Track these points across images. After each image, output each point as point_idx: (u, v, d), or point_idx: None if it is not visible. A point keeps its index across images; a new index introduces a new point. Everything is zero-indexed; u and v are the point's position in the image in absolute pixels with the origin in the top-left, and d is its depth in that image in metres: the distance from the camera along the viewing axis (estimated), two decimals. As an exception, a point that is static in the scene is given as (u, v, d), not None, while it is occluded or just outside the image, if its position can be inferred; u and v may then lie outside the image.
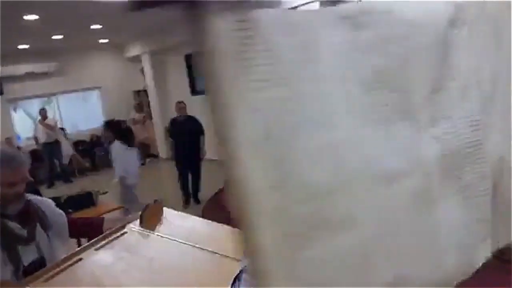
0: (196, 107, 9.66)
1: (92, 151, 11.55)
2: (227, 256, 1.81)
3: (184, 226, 2.29)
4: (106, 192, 5.54)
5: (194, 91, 10.99)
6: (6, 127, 10.17)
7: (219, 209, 5.92)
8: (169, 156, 6.84)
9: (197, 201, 6.71)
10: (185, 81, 11.10)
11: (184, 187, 6.54)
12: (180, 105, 6.53)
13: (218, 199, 6.45)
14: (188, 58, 10.84)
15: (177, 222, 2.32)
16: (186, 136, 6.30)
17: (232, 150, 0.65)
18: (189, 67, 10.95)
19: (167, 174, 9.15)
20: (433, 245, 0.86)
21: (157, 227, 2.16)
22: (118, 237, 2.04)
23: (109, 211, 4.80)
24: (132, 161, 5.34)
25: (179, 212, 2.48)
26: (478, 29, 0.94)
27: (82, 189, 5.11)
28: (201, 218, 2.54)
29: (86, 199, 4.91)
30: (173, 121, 6.64)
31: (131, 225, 2.15)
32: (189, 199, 6.58)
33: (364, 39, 0.77)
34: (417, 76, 0.85)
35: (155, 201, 2.31)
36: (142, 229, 2.12)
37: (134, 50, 11.94)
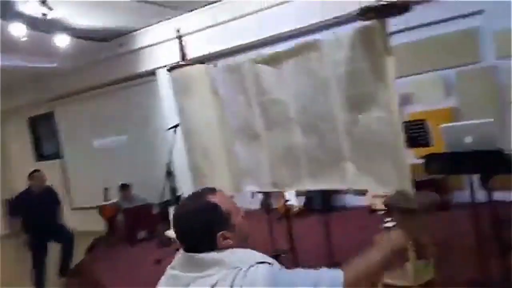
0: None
1: None
2: None
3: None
4: None
5: (39, 157, 10.04)
6: None
7: (85, 277, 5.37)
8: (13, 232, 5.93)
9: (65, 273, 5.96)
10: (28, 146, 10.10)
11: (39, 266, 5.75)
12: (39, 175, 5.65)
13: (82, 268, 5.87)
14: (33, 121, 9.96)
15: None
16: (45, 208, 5.53)
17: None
18: (33, 130, 10.05)
19: (10, 253, 7.97)
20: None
21: None
22: None
23: None
24: None
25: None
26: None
27: None
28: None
29: None
30: (27, 193, 5.66)
31: None
32: (43, 280, 5.78)
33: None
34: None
35: None
36: None
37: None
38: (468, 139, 2.81)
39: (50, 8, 5.05)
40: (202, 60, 1.85)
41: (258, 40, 6.11)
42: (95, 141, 8.85)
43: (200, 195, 1.27)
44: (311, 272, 1.17)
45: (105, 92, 8.29)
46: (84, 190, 8.93)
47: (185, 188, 6.76)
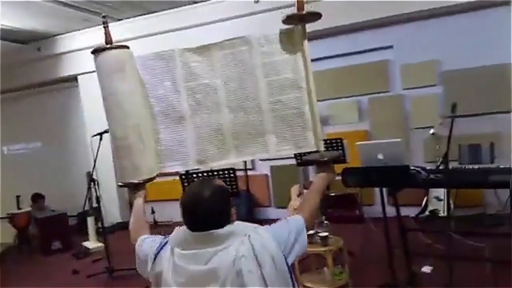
0: None
1: None
2: None
3: None
4: None
5: None
6: None
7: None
8: None
9: None
10: None
11: None
12: None
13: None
14: None
15: None
16: None
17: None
18: None
19: None
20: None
21: None
22: None
23: None
24: None
25: None
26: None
27: None
28: None
29: None
30: None
31: None
32: None
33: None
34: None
35: None
36: None
37: None
38: (380, 156, 3.16)
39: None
40: (126, 46, 1.92)
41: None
42: (4, 148, 8.24)
43: (208, 182, 1.54)
44: (284, 221, 1.55)
45: (20, 96, 7.83)
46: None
47: (107, 197, 6.53)
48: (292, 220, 1.55)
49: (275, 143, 1.91)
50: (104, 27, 1.92)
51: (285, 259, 1.41)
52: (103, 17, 1.95)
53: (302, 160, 1.95)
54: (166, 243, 1.51)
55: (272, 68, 1.86)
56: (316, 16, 1.81)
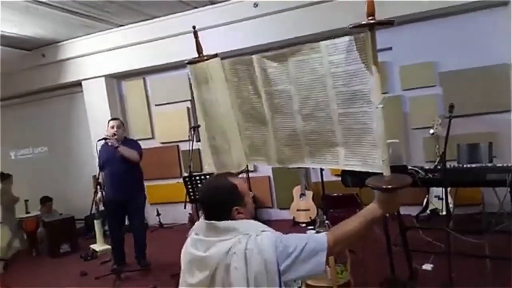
0: None
1: None
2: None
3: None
4: None
5: None
6: None
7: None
8: None
9: (146, 264, 4.94)
10: None
11: (119, 250, 4.97)
12: (119, 123, 4.91)
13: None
14: None
15: None
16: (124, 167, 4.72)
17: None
18: None
19: None
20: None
21: None
22: None
23: None
24: None
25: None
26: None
27: None
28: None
29: None
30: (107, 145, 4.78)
31: None
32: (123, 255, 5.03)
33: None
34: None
35: None
36: None
37: None
38: (379, 156, 3.22)
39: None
40: (215, 55, 2.12)
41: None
42: (12, 153, 8.33)
43: (223, 176, 1.63)
44: (302, 235, 1.53)
45: (26, 102, 7.96)
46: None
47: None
48: (313, 237, 1.49)
49: (344, 156, 1.86)
50: (195, 38, 2.11)
51: (279, 269, 1.39)
52: (194, 27, 2.12)
53: (365, 183, 1.68)
54: None
55: (340, 78, 1.75)
56: (389, 22, 1.59)
